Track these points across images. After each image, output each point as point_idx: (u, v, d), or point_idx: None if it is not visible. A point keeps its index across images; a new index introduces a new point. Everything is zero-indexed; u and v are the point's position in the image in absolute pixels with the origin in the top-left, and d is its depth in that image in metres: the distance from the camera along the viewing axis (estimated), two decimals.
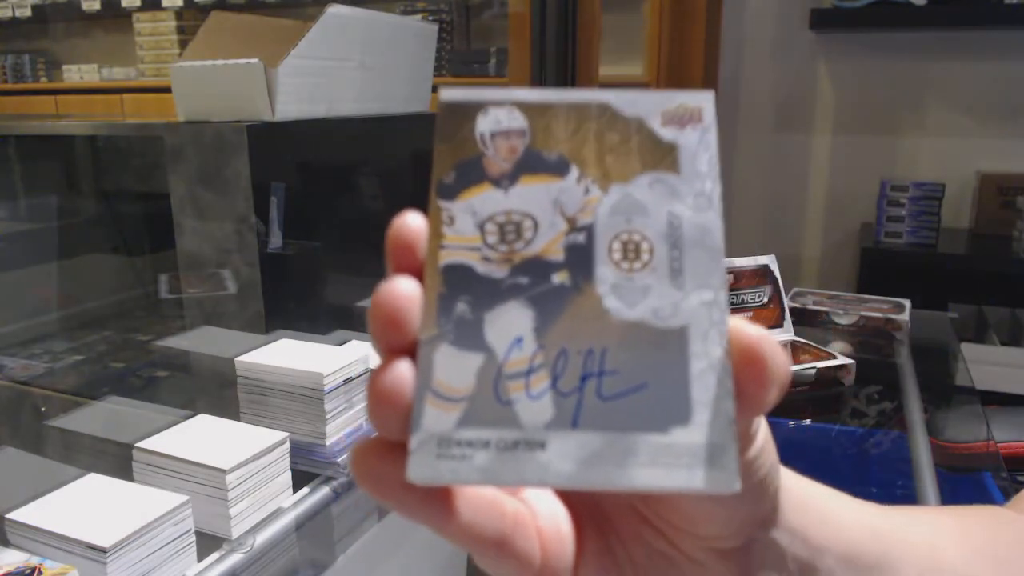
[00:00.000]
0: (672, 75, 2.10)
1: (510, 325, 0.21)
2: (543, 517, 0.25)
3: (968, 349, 1.24)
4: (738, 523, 0.25)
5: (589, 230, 0.22)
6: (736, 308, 1.04)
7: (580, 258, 0.21)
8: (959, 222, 2.14)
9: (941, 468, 0.81)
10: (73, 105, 3.54)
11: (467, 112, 0.22)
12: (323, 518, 0.72)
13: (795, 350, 1.03)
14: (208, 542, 0.65)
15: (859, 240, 2.17)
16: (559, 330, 0.21)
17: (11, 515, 0.59)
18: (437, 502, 0.21)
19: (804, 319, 1.20)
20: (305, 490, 0.74)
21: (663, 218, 0.21)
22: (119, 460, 0.70)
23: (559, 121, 0.22)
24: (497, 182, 0.22)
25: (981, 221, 2.06)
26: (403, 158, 1.17)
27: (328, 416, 0.76)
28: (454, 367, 0.20)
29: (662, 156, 0.22)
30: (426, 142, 1.23)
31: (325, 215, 1.01)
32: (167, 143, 0.91)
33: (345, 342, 0.94)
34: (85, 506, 0.60)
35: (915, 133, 2.18)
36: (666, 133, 0.22)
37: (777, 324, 1.05)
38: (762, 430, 0.24)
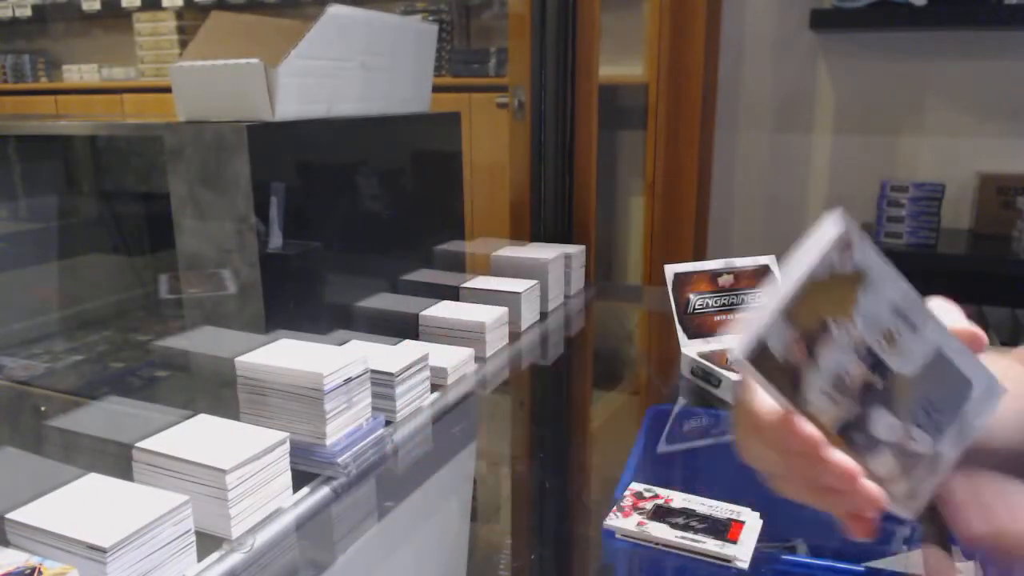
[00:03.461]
0: (672, 75, 2.10)
1: (881, 425, 0.40)
2: None
3: None
4: None
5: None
6: (736, 308, 1.04)
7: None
8: (959, 222, 2.14)
9: None
10: (73, 105, 3.55)
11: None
12: (323, 518, 0.72)
13: None
14: (208, 542, 0.65)
15: None
16: (900, 409, 0.41)
17: (11, 515, 0.59)
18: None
19: None
20: (305, 490, 0.74)
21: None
22: (119, 460, 0.70)
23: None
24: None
25: (981, 221, 2.06)
26: (403, 158, 1.17)
27: (328, 416, 0.76)
28: (879, 463, 0.40)
29: None
30: (426, 142, 1.23)
31: (325, 215, 1.01)
32: (167, 143, 0.91)
33: (345, 342, 0.94)
34: (85, 506, 0.60)
35: (915, 133, 2.18)
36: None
37: None
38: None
